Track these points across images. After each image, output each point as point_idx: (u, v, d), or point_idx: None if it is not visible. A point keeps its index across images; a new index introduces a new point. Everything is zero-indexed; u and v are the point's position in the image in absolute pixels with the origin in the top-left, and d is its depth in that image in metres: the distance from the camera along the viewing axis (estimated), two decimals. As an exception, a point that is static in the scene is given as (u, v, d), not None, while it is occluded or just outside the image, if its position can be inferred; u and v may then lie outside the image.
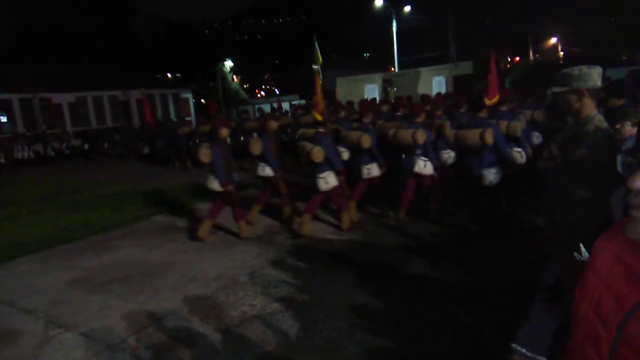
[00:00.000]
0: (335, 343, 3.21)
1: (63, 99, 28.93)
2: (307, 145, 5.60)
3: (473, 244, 5.06)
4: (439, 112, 6.96)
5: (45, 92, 27.93)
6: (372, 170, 6.11)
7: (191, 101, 38.55)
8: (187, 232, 6.35)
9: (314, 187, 5.65)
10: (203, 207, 7.97)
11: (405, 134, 5.84)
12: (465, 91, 17.83)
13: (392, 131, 6.14)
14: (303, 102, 31.47)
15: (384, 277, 4.30)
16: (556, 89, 2.57)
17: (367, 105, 8.16)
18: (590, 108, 2.52)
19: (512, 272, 4.16)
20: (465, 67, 26.85)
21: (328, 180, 5.53)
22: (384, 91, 26.91)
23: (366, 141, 5.88)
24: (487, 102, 6.31)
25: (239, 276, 4.55)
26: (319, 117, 5.82)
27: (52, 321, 3.85)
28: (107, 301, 4.20)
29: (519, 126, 5.99)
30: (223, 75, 46.63)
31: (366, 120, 6.52)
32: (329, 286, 4.13)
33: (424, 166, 5.81)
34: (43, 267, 5.35)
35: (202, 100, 52.24)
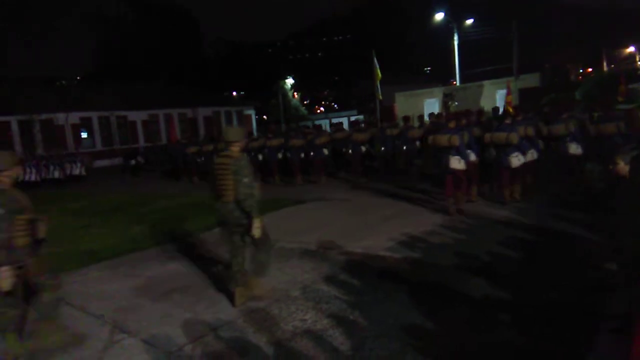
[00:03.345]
0: (385, 363, 3.15)
1: (137, 116, 31.03)
2: (502, 134, 7.30)
3: (536, 263, 4.80)
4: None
5: (121, 110, 30.12)
6: (533, 154, 7.83)
7: (254, 118, 39.95)
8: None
9: (507, 164, 7.32)
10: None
11: (559, 127, 7.97)
12: (532, 104, 17.01)
13: (546, 127, 8.39)
14: (362, 117, 31.52)
15: (437, 297, 4.17)
16: (622, 106, 2.41)
17: (520, 108, 10.46)
18: None
19: (576, 295, 3.89)
20: (532, 80, 25.65)
21: (520, 158, 7.31)
22: (445, 105, 26.33)
23: (530, 131, 7.74)
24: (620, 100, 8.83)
25: (292, 290, 4.60)
26: (512, 112, 8.59)
27: (117, 326, 4.08)
28: (168, 309, 4.40)
29: None
30: (284, 93, 47.85)
31: (519, 118, 8.35)
32: (380, 304, 4.08)
33: (576, 148, 7.89)
34: (112, 274, 5.71)
35: (264, 117, 53.79)
